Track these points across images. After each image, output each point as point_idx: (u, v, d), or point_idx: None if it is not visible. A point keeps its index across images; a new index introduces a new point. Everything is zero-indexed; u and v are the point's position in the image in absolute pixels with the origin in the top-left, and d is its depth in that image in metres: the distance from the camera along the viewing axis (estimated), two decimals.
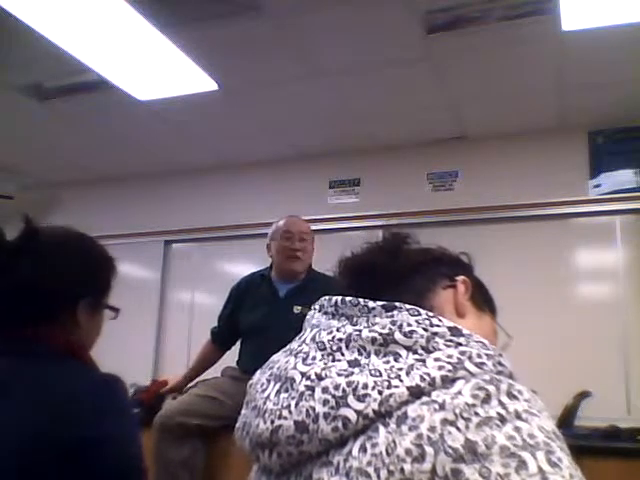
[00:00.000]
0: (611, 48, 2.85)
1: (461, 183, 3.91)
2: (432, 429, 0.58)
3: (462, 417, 0.58)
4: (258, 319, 2.62)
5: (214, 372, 2.80)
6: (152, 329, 4.41)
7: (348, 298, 0.75)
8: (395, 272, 0.81)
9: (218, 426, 2.36)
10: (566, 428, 2.95)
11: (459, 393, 0.61)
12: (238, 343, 2.77)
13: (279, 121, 3.81)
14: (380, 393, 0.62)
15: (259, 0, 2.56)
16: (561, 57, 2.98)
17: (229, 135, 4.04)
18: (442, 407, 0.60)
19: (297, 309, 2.48)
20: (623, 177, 3.58)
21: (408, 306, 0.70)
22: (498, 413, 0.58)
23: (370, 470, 0.59)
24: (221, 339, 2.80)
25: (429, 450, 0.57)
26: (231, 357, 2.79)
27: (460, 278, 0.82)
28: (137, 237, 4.57)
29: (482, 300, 0.86)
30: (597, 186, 3.62)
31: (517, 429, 0.57)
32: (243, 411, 0.76)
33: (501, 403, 0.59)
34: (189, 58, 2.99)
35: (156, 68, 3.10)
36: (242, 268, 3.44)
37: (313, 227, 2.80)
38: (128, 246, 4.32)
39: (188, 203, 4.56)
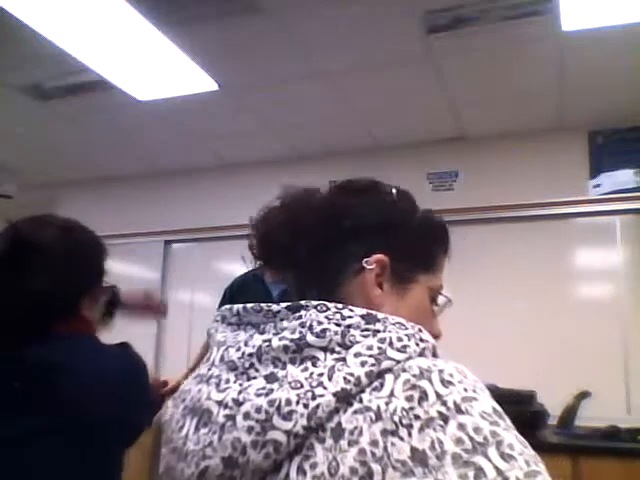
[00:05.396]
0: (611, 48, 2.85)
1: (461, 183, 3.91)
2: (374, 443, 0.54)
3: (402, 424, 0.54)
4: None
5: None
6: (152, 329, 4.41)
7: (249, 305, 0.69)
8: (297, 257, 0.73)
9: None
10: (566, 428, 2.95)
11: (392, 395, 0.57)
12: None
13: (279, 121, 3.81)
14: (306, 406, 0.57)
15: (259, 0, 2.56)
16: (561, 57, 2.98)
17: (229, 135, 4.03)
18: (378, 416, 0.56)
19: None
20: (623, 177, 3.58)
21: (315, 302, 0.65)
22: (439, 412, 0.55)
23: None
24: None
25: (376, 468, 0.53)
26: None
27: (373, 259, 0.71)
28: (137, 237, 4.57)
29: (411, 264, 0.75)
30: (597, 186, 3.62)
31: (461, 426, 0.53)
32: (163, 450, 0.69)
33: (439, 396, 0.56)
34: (189, 58, 2.99)
35: (156, 68, 3.10)
36: (242, 268, 3.44)
37: None
38: (128, 246, 4.32)
39: (188, 203, 4.56)
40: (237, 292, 2.75)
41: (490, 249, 3.71)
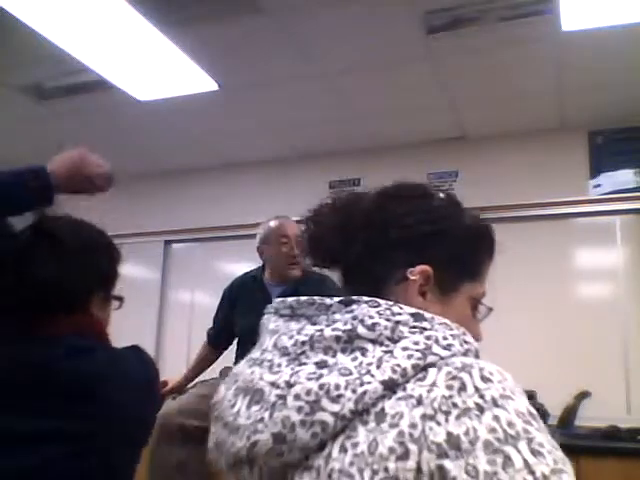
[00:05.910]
0: (611, 48, 2.84)
1: (461, 183, 3.90)
2: (413, 426, 0.58)
3: (441, 411, 0.58)
4: (252, 323, 2.59)
5: (214, 372, 2.80)
6: (152, 329, 4.41)
7: (303, 298, 0.73)
8: (345, 261, 0.78)
9: None
10: (566, 428, 2.95)
11: (434, 385, 0.60)
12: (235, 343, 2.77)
13: (279, 121, 3.81)
14: (354, 392, 0.61)
15: (259, 0, 2.56)
16: (561, 57, 2.98)
17: (229, 135, 4.03)
18: (420, 402, 0.59)
19: None
20: (623, 177, 3.58)
21: (366, 298, 0.68)
22: (476, 403, 0.58)
23: (353, 471, 0.58)
24: (217, 341, 2.79)
25: (412, 448, 0.56)
26: (231, 357, 2.79)
27: (418, 270, 0.74)
28: (137, 237, 4.56)
29: (456, 275, 0.77)
30: (597, 186, 3.62)
31: (496, 418, 0.57)
32: (212, 429, 0.74)
33: (477, 390, 0.59)
34: (189, 58, 2.99)
35: (156, 68, 3.10)
36: (242, 268, 3.44)
37: None
38: (128, 246, 4.31)
39: (188, 203, 4.56)
40: (237, 293, 2.74)
41: None
